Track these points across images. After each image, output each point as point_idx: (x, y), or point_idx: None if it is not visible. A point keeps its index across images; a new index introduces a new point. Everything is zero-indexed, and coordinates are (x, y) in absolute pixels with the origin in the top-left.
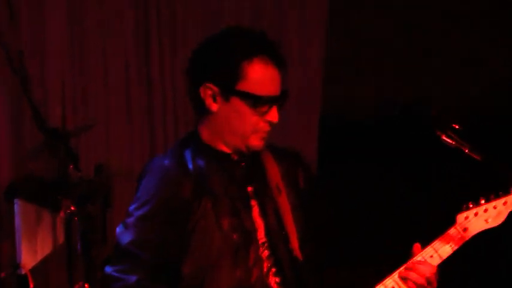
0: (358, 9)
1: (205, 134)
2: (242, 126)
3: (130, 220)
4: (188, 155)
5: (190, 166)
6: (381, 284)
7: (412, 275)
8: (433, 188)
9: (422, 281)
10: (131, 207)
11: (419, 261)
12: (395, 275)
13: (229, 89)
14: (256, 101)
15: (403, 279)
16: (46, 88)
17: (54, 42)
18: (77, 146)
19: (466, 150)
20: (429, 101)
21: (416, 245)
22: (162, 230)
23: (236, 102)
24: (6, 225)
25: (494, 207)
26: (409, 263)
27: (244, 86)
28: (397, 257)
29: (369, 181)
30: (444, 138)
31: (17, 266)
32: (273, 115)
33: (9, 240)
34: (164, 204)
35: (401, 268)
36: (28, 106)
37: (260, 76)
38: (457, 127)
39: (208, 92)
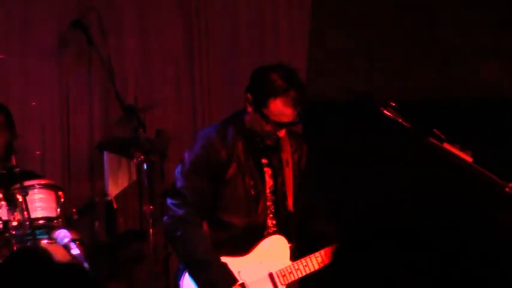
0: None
1: (247, 119)
2: (261, 130)
3: (184, 170)
4: (230, 130)
5: (229, 138)
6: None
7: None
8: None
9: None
10: (185, 160)
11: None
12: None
13: (257, 108)
14: (271, 123)
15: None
16: (126, 79)
17: (129, 51)
18: (144, 117)
19: (400, 120)
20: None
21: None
22: (203, 180)
23: (260, 116)
24: (98, 168)
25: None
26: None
27: (266, 111)
28: None
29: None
30: (385, 112)
31: (105, 194)
32: (282, 132)
33: (100, 178)
34: (207, 163)
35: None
36: (113, 91)
37: (278, 111)
38: (393, 104)
39: (248, 98)
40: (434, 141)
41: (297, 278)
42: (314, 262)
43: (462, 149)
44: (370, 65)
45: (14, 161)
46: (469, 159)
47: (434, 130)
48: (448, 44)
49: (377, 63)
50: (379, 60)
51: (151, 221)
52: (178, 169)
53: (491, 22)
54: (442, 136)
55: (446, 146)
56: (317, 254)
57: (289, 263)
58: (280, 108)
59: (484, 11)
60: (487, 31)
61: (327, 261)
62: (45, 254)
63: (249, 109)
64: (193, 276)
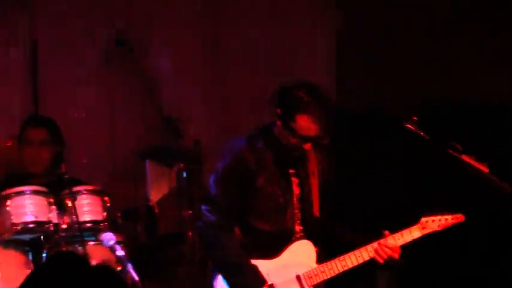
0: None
1: (276, 132)
2: (288, 143)
3: (216, 178)
4: (259, 142)
5: (258, 149)
6: (359, 249)
7: (385, 246)
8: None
9: (390, 251)
10: (218, 169)
11: (390, 240)
12: (369, 246)
13: (285, 122)
14: (298, 137)
15: (376, 250)
16: (165, 93)
17: (166, 69)
18: (184, 128)
19: (421, 134)
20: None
21: (386, 232)
22: (234, 189)
23: (287, 130)
24: (141, 176)
25: (440, 220)
26: (383, 239)
27: (293, 126)
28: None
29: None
30: (407, 125)
31: (148, 200)
32: (307, 146)
33: (143, 185)
34: (237, 172)
35: (375, 242)
36: (154, 104)
37: (304, 126)
38: (415, 118)
39: (277, 113)
40: (453, 153)
41: (322, 280)
42: (338, 265)
43: (478, 160)
44: (385, 78)
45: (63, 169)
46: (485, 169)
47: (452, 142)
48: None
49: (389, 76)
50: (391, 74)
51: (189, 224)
52: (212, 177)
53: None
54: (460, 148)
55: (465, 157)
56: (341, 257)
57: (316, 265)
58: (306, 124)
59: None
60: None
61: (350, 266)
62: (81, 257)
63: (278, 123)
64: (226, 278)
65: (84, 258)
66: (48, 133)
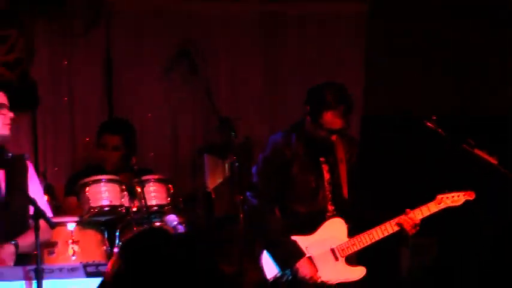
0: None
1: (306, 127)
2: (317, 135)
3: (258, 168)
4: (293, 136)
5: (292, 142)
6: (384, 224)
7: (406, 220)
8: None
9: (412, 224)
10: (259, 161)
11: (411, 214)
12: (393, 221)
13: (314, 118)
14: (325, 131)
15: (399, 224)
16: (220, 96)
17: (222, 75)
18: (235, 126)
19: (439, 130)
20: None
21: (407, 209)
22: (272, 176)
23: (316, 125)
24: (199, 167)
25: (453, 196)
26: (403, 215)
27: (321, 121)
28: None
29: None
30: (428, 124)
31: (205, 187)
32: (333, 137)
33: (201, 174)
34: (275, 163)
35: (398, 217)
36: (210, 106)
37: (330, 121)
38: (434, 118)
39: (307, 110)
40: (467, 147)
41: (353, 251)
42: (367, 238)
43: (489, 154)
44: (410, 84)
45: (134, 161)
46: (495, 161)
47: (468, 139)
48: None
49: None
50: (416, 80)
51: (240, 207)
52: (254, 168)
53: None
54: (473, 143)
55: (477, 151)
56: (369, 231)
57: (347, 239)
58: (331, 119)
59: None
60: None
61: (377, 238)
62: (166, 232)
63: (308, 119)
64: (270, 252)
65: (168, 233)
66: (121, 140)
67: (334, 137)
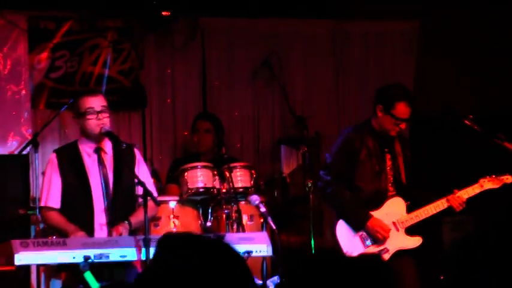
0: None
1: (374, 123)
2: (387, 126)
3: (332, 152)
4: (363, 129)
5: (362, 134)
6: (436, 202)
7: (455, 198)
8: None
9: (460, 202)
10: (334, 146)
11: (459, 193)
12: (443, 199)
13: (387, 110)
14: (396, 120)
15: (448, 201)
16: (295, 98)
17: (297, 81)
18: (307, 123)
19: (475, 127)
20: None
21: (455, 190)
22: (344, 160)
23: (389, 116)
24: (277, 156)
25: (494, 179)
26: (452, 195)
27: (393, 112)
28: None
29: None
30: (465, 121)
31: (282, 173)
32: (403, 126)
33: (279, 162)
34: (346, 149)
35: (447, 197)
36: (287, 106)
37: (401, 110)
38: (471, 116)
39: (379, 107)
40: (498, 141)
41: (411, 223)
42: (422, 213)
43: None
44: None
45: (223, 151)
46: None
47: (499, 134)
48: None
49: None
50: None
51: (311, 190)
52: (327, 154)
53: None
54: (503, 137)
55: (507, 144)
56: (424, 208)
57: (406, 214)
58: (403, 108)
59: None
60: None
61: (431, 213)
62: (193, 235)
63: (379, 114)
64: (344, 217)
65: (196, 235)
66: (211, 124)
67: (403, 125)
